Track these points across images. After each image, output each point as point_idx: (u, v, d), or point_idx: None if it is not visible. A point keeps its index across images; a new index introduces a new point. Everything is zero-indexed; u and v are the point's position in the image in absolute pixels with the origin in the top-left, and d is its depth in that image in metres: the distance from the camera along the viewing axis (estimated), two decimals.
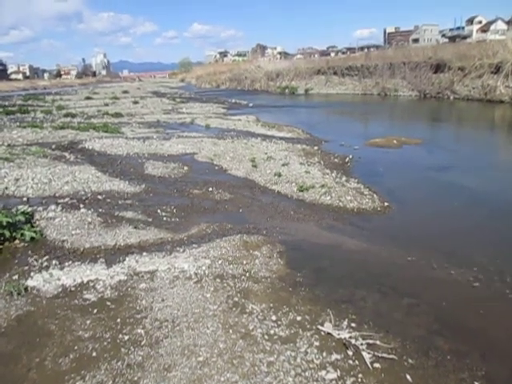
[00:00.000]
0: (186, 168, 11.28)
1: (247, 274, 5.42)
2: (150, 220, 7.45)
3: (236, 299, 4.84)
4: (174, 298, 4.84)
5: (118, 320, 4.46)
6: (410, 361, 3.89)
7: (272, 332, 4.25)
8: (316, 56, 77.12)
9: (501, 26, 68.33)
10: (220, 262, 5.76)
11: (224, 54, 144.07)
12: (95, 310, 4.65)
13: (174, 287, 5.10)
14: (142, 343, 4.07)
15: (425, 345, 4.12)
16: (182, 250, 6.13)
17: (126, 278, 5.38)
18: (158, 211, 7.88)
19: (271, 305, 4.74)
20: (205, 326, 4.31)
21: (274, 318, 4.49)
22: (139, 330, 4.27)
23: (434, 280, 5.46)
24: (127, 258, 5.90)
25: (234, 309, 4.65)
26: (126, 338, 4.16)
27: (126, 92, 48.75)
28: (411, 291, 5.14)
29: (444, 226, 7.41)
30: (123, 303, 4.79)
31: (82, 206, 8.04)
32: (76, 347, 4.04)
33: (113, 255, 6.05)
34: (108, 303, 4.79)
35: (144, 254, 6.05)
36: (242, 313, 4.57)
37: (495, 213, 7.90)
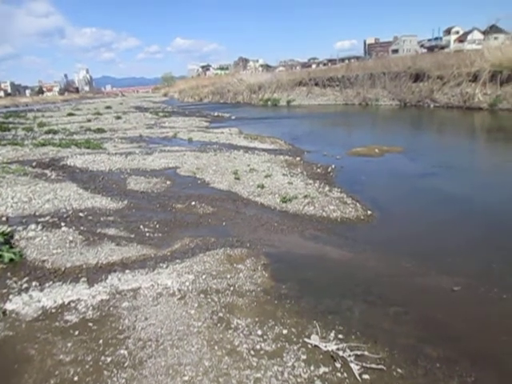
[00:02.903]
0: (168, 182, 11.20)
1: (231, 288, 5.36)
2: (133, 236, 7.35)
3: (221, 314, 4.77)
4: (157, 316, 4.76)
5: (101, 341, 4.35)
6: (399, 370, 3.87)
7: (258, 347, 4.19)
8: (297, 68, 77.88)
9: (477, 36, 70.04)
10: (204, 276, 5.69)
11: (206, 68, 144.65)
12: (77, 332, 4.53)
13: (157, 305, 5.01)
14: (126, 364, 3.97)
15: (413, 353, 4.10)
16: (165, 266, 6.05)
17: (108, 297, 5.27)
18: (141, 227, 7.78)
19: (257, 319, 4.68)
20: (189, 344, 4.23)
21: (259, 332, 4.43)
22: (122, 351, 4.17)
23: (420, 287, 5.48)
24: (109, 277, 5.79)
25: (218, 325, 4.58)
26: (109, 359, 4.06)
27: (108, 107, 48.53)
28: (398, 299, 5.13)
29: (427, 232, 7.46)
30: (105, 323, 4.68)
31: (63, 224, 7.90)
32: (57, 372, 3.92)
33: (95, 274, 5.93)
34: (90, 324, 4.68)
35: (127, 271, 5.95)
36: (227, 328, 4.51)
37: (478, 218, 7.99)
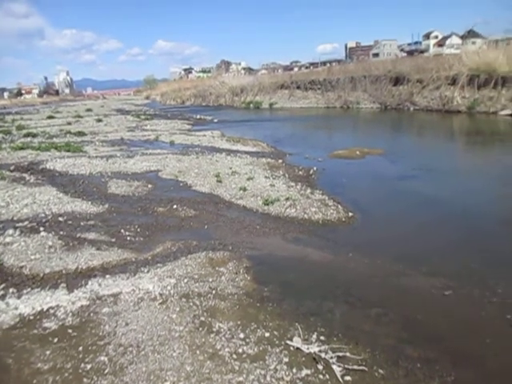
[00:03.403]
0: (150, 186, 11.11)
1: (213, 292, 5.34)
2: (114, 240, 7.26)
3: (203, 318, 4.75)
4: (138, 321, 4.71)
5: (80, 348, 4.28)
6: (380, 371, 3.90)
7: (240, 350, 4.18)
8: (280, 71, 78.05)
9: (455, 40, 71.28)
10: (185, 280, 5.66)
11: (189, 71, 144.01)
12: (56, 339, 4.45)
13: (138, 309, 4.96)
14: (106, 371, 3.92)
15: (395, 354, 4.14)
16: (146, 271, 5.99)
17: (88, 302, 5.19)
18: (122, 231, 7.70)
19: (239, 322, 4.68)
20: (171, 349, 4.20)
21: (241, 335, 4.42)
22: (102, 358, 4.11)
23: (400, 288, 5.54)
24: (90, 282, 5.72)
25: (200, 329, 4.56)
26: (89, 366, 4.00)
27: (89, 110, 47.87)
28: (379, 300, 5.18)
29: (408, 234, 7.56)
30: (85, 330, 4.61)
31: (42, 229, 7.75)
32: (35, 381, 3.84)
33: (74, 279, 5.84)
34: (69, 331, 4.60)
35: (107, 276, 5.87)
36: (209, 332, 4.49)
37: (456, 220, 8.12)
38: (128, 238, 7.38)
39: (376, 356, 4.11)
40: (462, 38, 60.97)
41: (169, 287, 5.47)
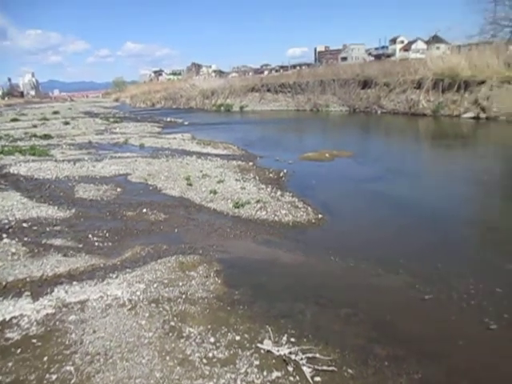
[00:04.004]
0: (119, 189, 10.92)
1: (184, 296, 5.29)
2: (81, 246, 7.10)
3: (172, 324, 4.69)
4: (106, 329, 4.60)
5: (45, 358, 4.14)
6: (349, 371, 3.94)
7: (210, 355, 4.15)
8: (250, 74, 78.24)
9: (421, 45, 73.25)
10: (155, 285, 5.58)
11: (159, 73, 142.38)
12: (19, 350, 4.29)
13: (106, 316, 4.85)
14: (72, 381, 3.81)
15: (364, 353, 4.20)
16: (114, 276, 5.87)
17: (54, 310, 5.04)
18: (90, 236, 7.54)
19: (209, 326, 4.64)
20: (140, 356, 4.13)
21: (212, 340, 4.39)
22: (68, 367, 3.99)
23: (369, 288, 5.63)
24: (56, 289, 5.55)
25: (170, 334, 4.50)
26: (54, 377, 3.87)
27: (56, 113, 46.55)
28: (348, 301, 5.25)
29: (376, 234, 7.70)
30: (51, 339, 4.47)
31: (4, 235, 7.48)
32: None
33: (40, 287, 5.66)
34: (33, 341, 4.45)
35: (74, 283, 5.73)
36: (178, 337, 4.44)
37: (424, 219, 8.32)
38: (96, 244, 7.23)
39: (345, 356, 4.16)
40: (427, 43, 62.82)
41: (138, 293, 5.38)
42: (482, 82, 24.70)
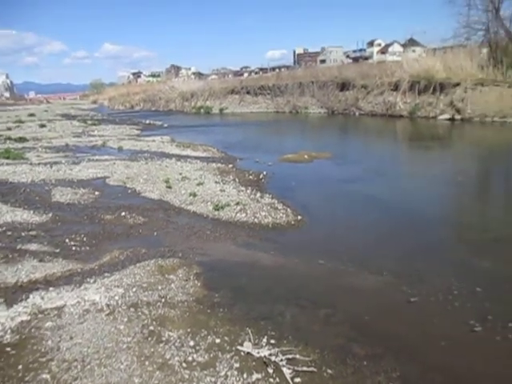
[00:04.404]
0: (97, 193, 10.77)
1: (163, 300, 5.24)
2: (58, 251, 6.96)
3: (152, 328, 4.64)
4: (83, 334, 4.52)
5: (20, 367, 4.03)
6: (329, 371, 3.96)
7: (190, 359, 4.12)
8: (230, 76, 78.37)
9: (397, 48, 74.38)
10: (134, 289, 5.51)
11: (137, 75, 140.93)
12: None
13: (83, 322, 4.77)
14: None
15: (343, 353, 4.22)
16: (92, 281, 5.78)
17: (29, 317, 4.92)
18: (67, 241, 7.40)
19: (189, 330, 4.61)
20: (118, 361, 4.07)
21: (191, 343, 4.36)
22: (44, 375, 3.90)
23: (348, 289, 5.67)
24: (31, 296, 5.42)
25: (149, 338, 4.45)
26: None
27: (32, 115, 45.55)
28: (328, 301, 5.28)
29: (355, 235, 7.80)
30: (26, 347, 4.36)
31: None
32: None
33: (14, 294, 5.51)
34: (8, 349, 4.33)
35: (50, 288, 5.60)
36: (158, 342, 4.39)
37: (402, 220, 8.48)
38: (73, 248, 7.10)
39: (325, 356, 4.18)
40: (403, 46, 63.82)
41: (116, 297, 5.31)
42: (457, 85, 25.30)
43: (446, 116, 24.99)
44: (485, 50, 28.66)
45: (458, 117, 24.33)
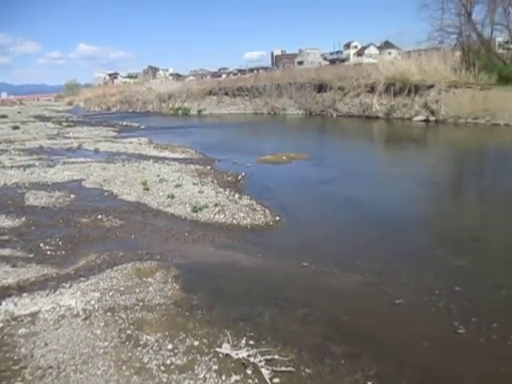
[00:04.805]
0: (72, 196, 10.59)
1: (141, 304, 5.19)
2: (32, 256, 6.82)
3: (129, 332, 4.59)
4: (59, 340, 4.44)
5: None
6: (307, 370, 3.98)
7: (168, 362, 4.09)
8: (208, 77, 77.98)
9: (373, 50, 75.47)
10: (111, 293, 5.44)
11: (114, 76, 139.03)
12: None
13: (58, 328, 4.68)
14: None
15: (320, 352, 4.26)
16: (68, 286, 5.68)
17: (1, 325, 4.80)
18: (41, 245, 7.26)
19: (167, 333, 4.58)
20: (95, 367, 4.01)
21: (170, 346, 4.33)
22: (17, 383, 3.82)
23: (326, 288, 5.73)
24: (4, 302, 5.29)
25: (127, 343, 4.40)
26: None
27: (4, 117, 44.40)
28: (305, 301, 5.32)
29: (332, 235, 7.87)
30: None
31: None
32: None
33: None
34: None
35: (24, 294, 5.48)
36: (135, 346, 4.34)
37: (379, 220, 8.56)
38: (48, 253, 6.97)
39: (303, 356, 4.20)
40: (379, 48, 64.83)
41: (93, 302, 5.23)
42: (431, 87, 25.81)
43: (421, 117, 25.47)
44: (458, 53, 29.36)
45: (432, 118, 24.81)
